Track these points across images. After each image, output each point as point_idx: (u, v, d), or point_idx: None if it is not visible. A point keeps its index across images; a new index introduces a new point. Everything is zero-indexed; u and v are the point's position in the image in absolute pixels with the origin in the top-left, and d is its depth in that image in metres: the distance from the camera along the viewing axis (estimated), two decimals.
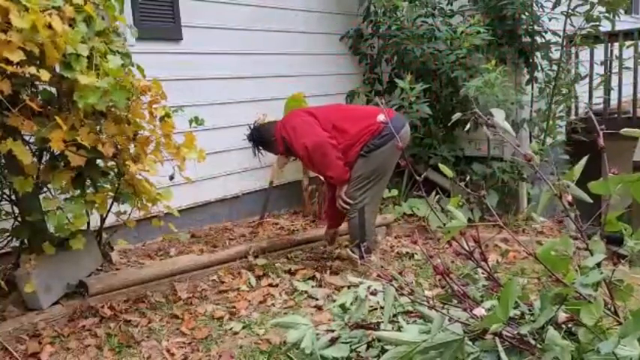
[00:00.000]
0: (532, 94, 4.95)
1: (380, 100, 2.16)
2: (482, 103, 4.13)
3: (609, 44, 5.28)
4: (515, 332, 1.62)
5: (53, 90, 2.58)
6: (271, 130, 3.50)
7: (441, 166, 2.03)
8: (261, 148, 3.60)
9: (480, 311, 1.64)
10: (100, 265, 3.13)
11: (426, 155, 4.90)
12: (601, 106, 5.35)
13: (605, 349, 1.39)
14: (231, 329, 2.67)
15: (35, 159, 2.56)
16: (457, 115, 2.06)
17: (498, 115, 1.83)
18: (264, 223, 4.34)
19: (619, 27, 5.38)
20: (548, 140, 4.89)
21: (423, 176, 1.99)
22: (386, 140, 3.23)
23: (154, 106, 2.77)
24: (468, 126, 2.31)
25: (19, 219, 2.79)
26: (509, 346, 1.63)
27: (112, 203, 2.94)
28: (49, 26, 2.20)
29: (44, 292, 2.66)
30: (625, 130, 1.72)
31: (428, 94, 4.80)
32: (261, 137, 3.57)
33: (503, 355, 1.56)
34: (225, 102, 4.36)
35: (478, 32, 4.37)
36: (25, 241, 2.83)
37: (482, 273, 1.99)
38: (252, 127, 3.64)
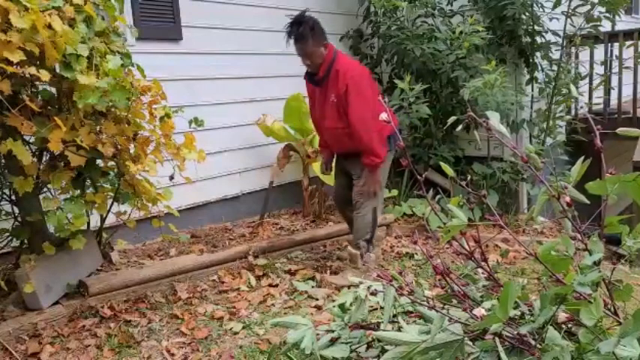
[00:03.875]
0: (532, 94, 4.96)
1: (383, 99, 2.15)
2: (481, 104, 4.13)
3: (609, 44, 5.28)
4: (515, 332, 1.62)
5: (53, 90, 2.58)
6: (323, 41, 3.14)
7: (443, 165, 2.03)
8: (304, 37, 3.07)
9: (479, 311, 1.64)
10: (100, 265, 3.13)
11: (425, 155, 4.90)
12: (601, 106, 5.35)
13: (605, 349, 1.39)
14: (231, 329, 2.67)
15: (35, 159, 2.56)
16: (453, 119, 2.07)
17: (494, 118, 1.83)
18: (264, 223, 4.34)
19: (619, 27, 5.38)
20: (549, 140, 4.90)
21: (424, 176, 2.00)
22: (390, 143, 3.24)
23: (154, 106, 2.77)
24: (460, 127, 2.31)
25: (19, 219, 2.79)
26: (509, 346, 1.63)
27: (112, 203, 2.94)
28: (49, 26, 2.20)
29: (44, 292, 2.66)
30: (621, 130, 1.72)
31: (428, 95, 4.80)
32: (314, 32, 3.09)
33: (503, 355, 1.56)
34: (225, 102, 4.36)
35: (477, 32, 4.37)
36: (25, 241, 2.83)
37: (483, 273, 1.99)
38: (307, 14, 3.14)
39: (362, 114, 3.06)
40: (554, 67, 4.81)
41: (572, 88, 2.22)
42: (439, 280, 1.94)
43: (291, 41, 3.11)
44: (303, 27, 3.05)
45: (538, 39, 4.75)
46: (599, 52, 5.29)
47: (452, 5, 5.09)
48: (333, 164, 3.56)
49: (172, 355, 2.43)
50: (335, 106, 3.15)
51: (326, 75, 3.15)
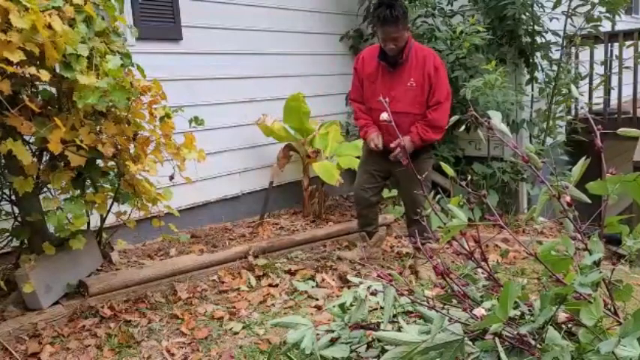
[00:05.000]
0: (532, 94, 4.96)
1: (384, 99, 2.12)
2: (482, 104, 4.13)
3: (609, 44, 5.28)
4: (515, 332, 1.62)
5: (53, 90, 2.58)
6: (407, 25, 3.14)
7: (443, 165, 2.04)
8: (394, 18, 2.98)
9: (479, 311, 1.64)
10: (100, 265, 3.13)
11: None
12: (601, 106, 5.35)
13: (605, 349, 1.39)
14: (231, 329, 2.67)
15: (35, 159, 2.56)
16: (454, 118, 2.07)
17: (495, 118, 1.83)
18: (264, 223, 4.34)
19: (619, 27, 5.38)
20: (549, 140, 4.90)
21: (424, 176, 2.00)
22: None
23: (154, 106, 2.77)
24: (463, 127, 2.32)
25: (19, 219, 2.79)
26: (509, 346, 1.63)
27: (112, 203, 2.94)
28: (49, 26, 2.20)
29: (44, 292, 2.65)
30: (621, 130, 1.72)
31: None
32: (405, 15, 3.07)
33: (503, 355, 1.56)
34: (225, 102, 4.36)
35: (477, 32, 4.37)
36: (25, 241, 2.83)
37: (483, 273, 1.99)
38: None
39: (448, 95, 3.17)
40: (554, 67, 4.81)
41: (573, 88, 2.21)
42: (439, 280, 1.94)
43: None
44: (397, 9, 2.98)
45: (538, 39, 4.75)
46: (599, 52, 5.29)
47: (452, 5, 5.09)
48: (363, 163, 3.40)
49: (172, 355, 2.43)
50: (413, 91, 3.12)
51: (406, 59, 3.12)
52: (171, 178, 2.92)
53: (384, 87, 3.17)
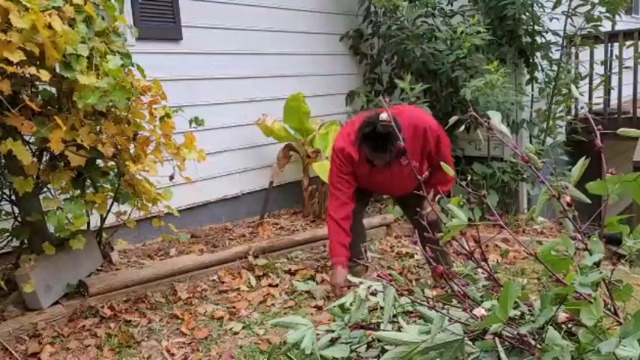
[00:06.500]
0: (532, 94, 4.96)
1: (384, 99, 2.08)
2: (482, 104, 4.13)
3: (609, 44, 5.29)
4: (515, 332, 1.62)
5: (53, 90, 2.58)
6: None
7: (443, 165, 2.03)
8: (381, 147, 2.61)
9: (479, 311, 1.64)
10: (100, 265, 3.13)
11: None
12: (601, 106, 5.35)
13: (606, 349, 1.39)
14: (231, 329, 2.67)
15: (35, 159, 2.56)
16: (454, 118, 2.07)
17: (495, 118, 1.83)
18: (264, 223, 4.34)
19: (619, 27, 5.38)
20: (549, 140, 4.90)
21: (424, 176, 2.00)
22: None
23: (154, 106, 2.77)
24: (462, 127, 2.31)
25: (19, 219, 2.79)
26: (509, 346, 1.63)
27: (112, 203, 2.94)
28: (49, 26, 2.20)
29: (44, 292, 2.66)
30: (622, 130, 1.72)
31: (428, 95, 4.80)
32: (392, 136, 2.51)
33: (503, 355, 1.56)
34: (225, 102, 4.37)
35: (478, 32, 4.37)
36: (25, 241, 2.83)
37: (483, 273, 1.98)
38: (373, 122, 2.58)
39: (450, 147, 3.00)
40: (554, 67, 4.81)
41: (573, 88, 2.20)
42: (439, 279, 1.94)
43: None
44: (393, 143, 2.53)
45: (538, 39, 4.76)
46: (599, 52, 5.29)
47: (452, 5, 5.09)
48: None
49: (172, 355, 2.43)
50: (415, 169, 2.59)
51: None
52: (171, 178, 2.92)
53: (384, 180, 2.92)
